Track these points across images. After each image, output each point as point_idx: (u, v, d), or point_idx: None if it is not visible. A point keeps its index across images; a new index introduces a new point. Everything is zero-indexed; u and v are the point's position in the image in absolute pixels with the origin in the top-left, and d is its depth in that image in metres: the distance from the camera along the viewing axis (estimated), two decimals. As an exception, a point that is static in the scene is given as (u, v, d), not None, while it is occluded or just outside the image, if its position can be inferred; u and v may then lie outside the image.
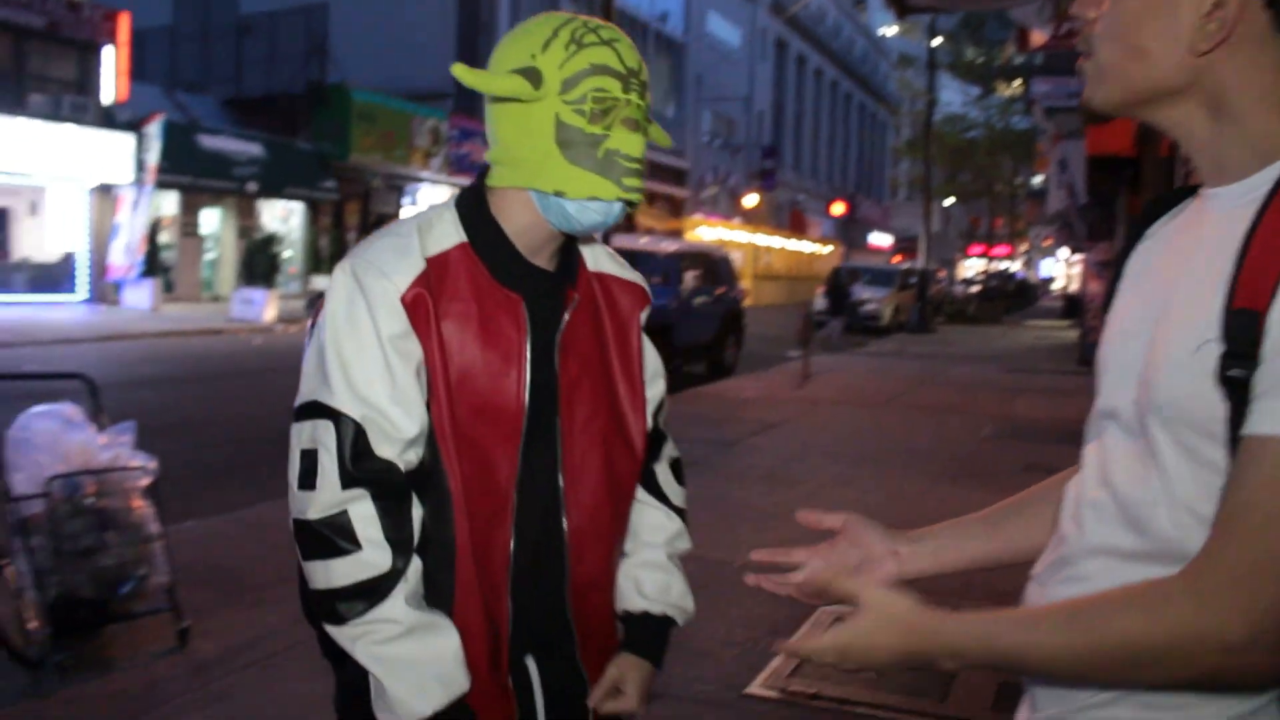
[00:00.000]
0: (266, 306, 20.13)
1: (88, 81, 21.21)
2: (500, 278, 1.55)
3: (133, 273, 21.17)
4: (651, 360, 1.79)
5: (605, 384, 1.68)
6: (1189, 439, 1.02)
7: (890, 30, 59.59)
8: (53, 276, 21.57)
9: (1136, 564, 1.06)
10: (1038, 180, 47.25)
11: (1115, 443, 1.13)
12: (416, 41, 27.37)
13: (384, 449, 1.45)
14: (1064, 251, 42.96)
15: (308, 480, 1.46)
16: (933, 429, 10.46)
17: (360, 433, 1.45)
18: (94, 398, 4.35)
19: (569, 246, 1.65)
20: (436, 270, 1.51)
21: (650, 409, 1.76)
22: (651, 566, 1.77)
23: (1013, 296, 42.72)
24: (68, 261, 21.81)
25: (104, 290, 21.76)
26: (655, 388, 1.79)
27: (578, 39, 1.49)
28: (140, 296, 21.29)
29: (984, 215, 52.90)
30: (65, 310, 20.16)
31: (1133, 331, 1.13)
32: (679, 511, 1.84)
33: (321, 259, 24.57)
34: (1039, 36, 12.87)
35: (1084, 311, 19.46)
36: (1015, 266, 57.62)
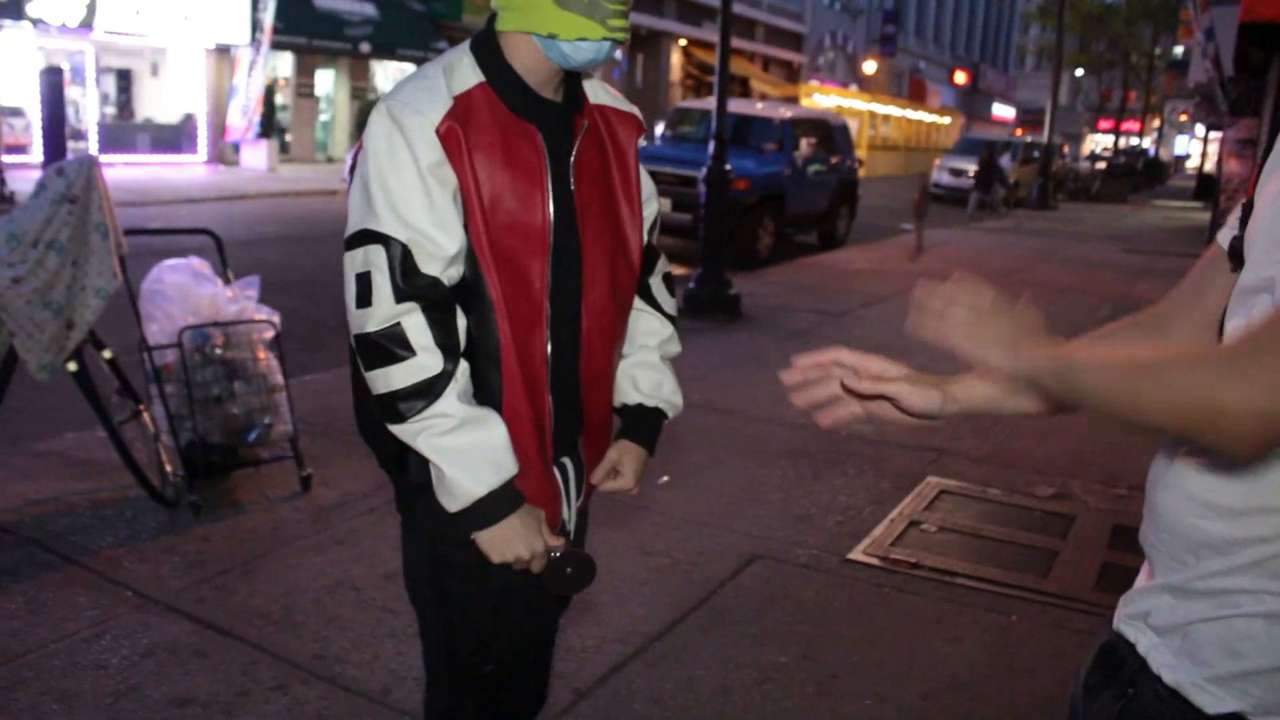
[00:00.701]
0: (380, 169, 20.33)
1: (206, -61, 21.30)
2: (517, 110, 1.72)
3: (250, 134, 21.53)
4: (647, 184, 1.95)
5: (609, 204, 1.85)
6: None
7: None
8: (174, 137, 22.05)
9: None
10: (1179, 51, 44.61)
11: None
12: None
13: (429, 266, 1.63)
14: (1200, 129, 40.69)
15: (364, 299, 1.64)
16: (1048, 307, 10.15)
17: (407, 253, 1.62)
18: (220, 253, 4.49)
19: (572, 81, 1.83)
20: (463, 106, 1.66)
21: (645, 227, 1.94)
22: (646, 366, 2.00)
23: (1141, 175, 40.85)
24: (188, 122, 22.25)
25: (222, 151, 22.21)
26: (650, 208, 1.96)
27: None
28: (257, 157, 21.69)
29: (1117, 88, 50.37)
30: (186, 170, 20.68)
31: (1273, 216, 1.10)
32: (671, 319, 2.05)
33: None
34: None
35: (1219, 192, 18.52)
36: (1146, 143, 54.89)
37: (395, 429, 1.66)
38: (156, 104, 22.12)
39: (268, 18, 20.88)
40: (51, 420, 4.95)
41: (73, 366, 3.83)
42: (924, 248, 14.28)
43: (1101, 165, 37.86)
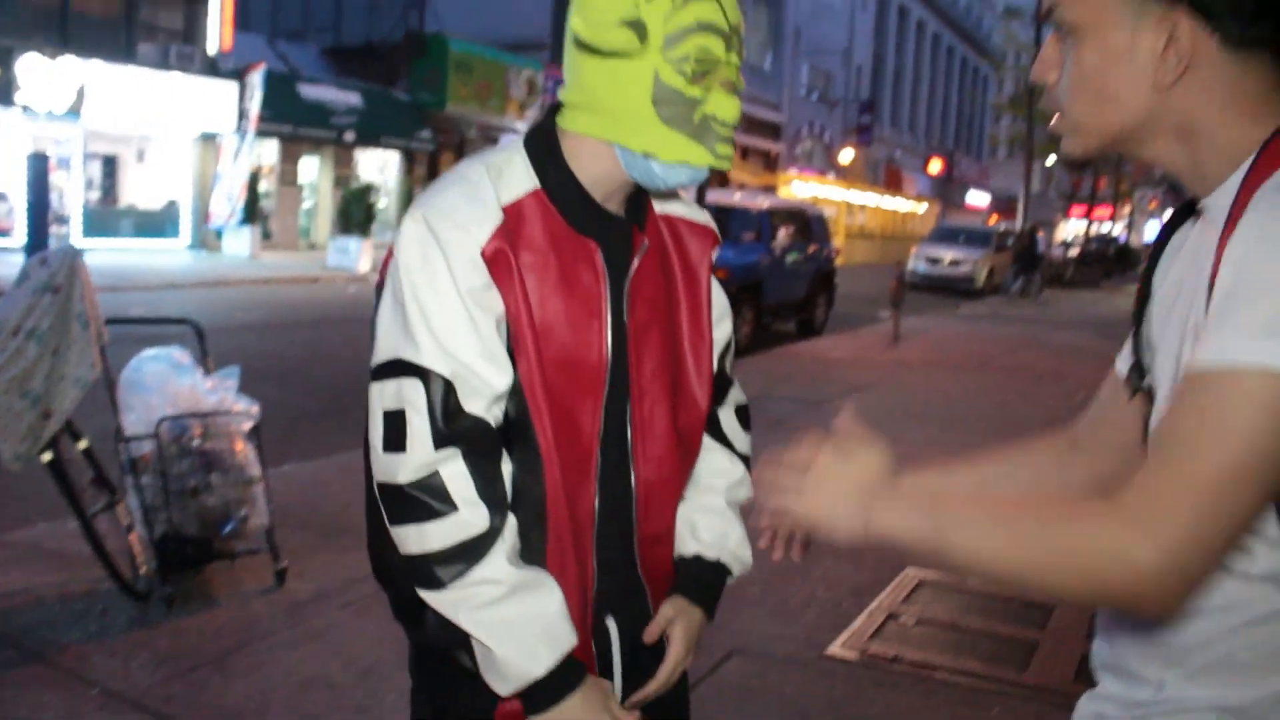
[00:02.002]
0: (361, 255, 20.50)
1: (193, 31, 21.66)
2: (575, 224, 1.49)
3: (233, 220, 21.69)
4: (720, 301, 1.72)
5: (671, 331, 1.63)
6: None
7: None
8: (158, 222, 22.20)
9: None
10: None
11: None
12: (513, -8, 27.38)
13: (474, 404, 1.40)
14: (1170, 214, 41.48)
15: (396, 442, 1.40)
16: (1024, 394, 10.29)
17: (450, 389, 1.39)
18: (201, 343, 4.51)
19: (639, 191, 1.58)
20: (513, 220, 1.44)
21: (717, 351, 1.71)
22: (709, 511, 1.72)
23: (1113, 261, 41.52)
24: (172, 208, 22.42)
25: (206, 237, 22.35)
26: (722, 328, 1.72)
27: None
28: (240, 243, 21.82)
29: (1087, 176, 51.39)
30: (169, 256, 20.77)
31: (1166, 343, 1.18)
32: (743, 458, 1.78)
33: (416, 209, 24.89)
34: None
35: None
36: (1118, 229, 55.85)
37: (429, 596, 1.41)
38: (141, 189, 22.30)
39: (254, 106, 21.18)
40: (22, 509, 4.90)
41: (47, 456, 3.81)
42: (901, 335, 14.40)
43: (1075, 252, 38.45)
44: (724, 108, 1.46)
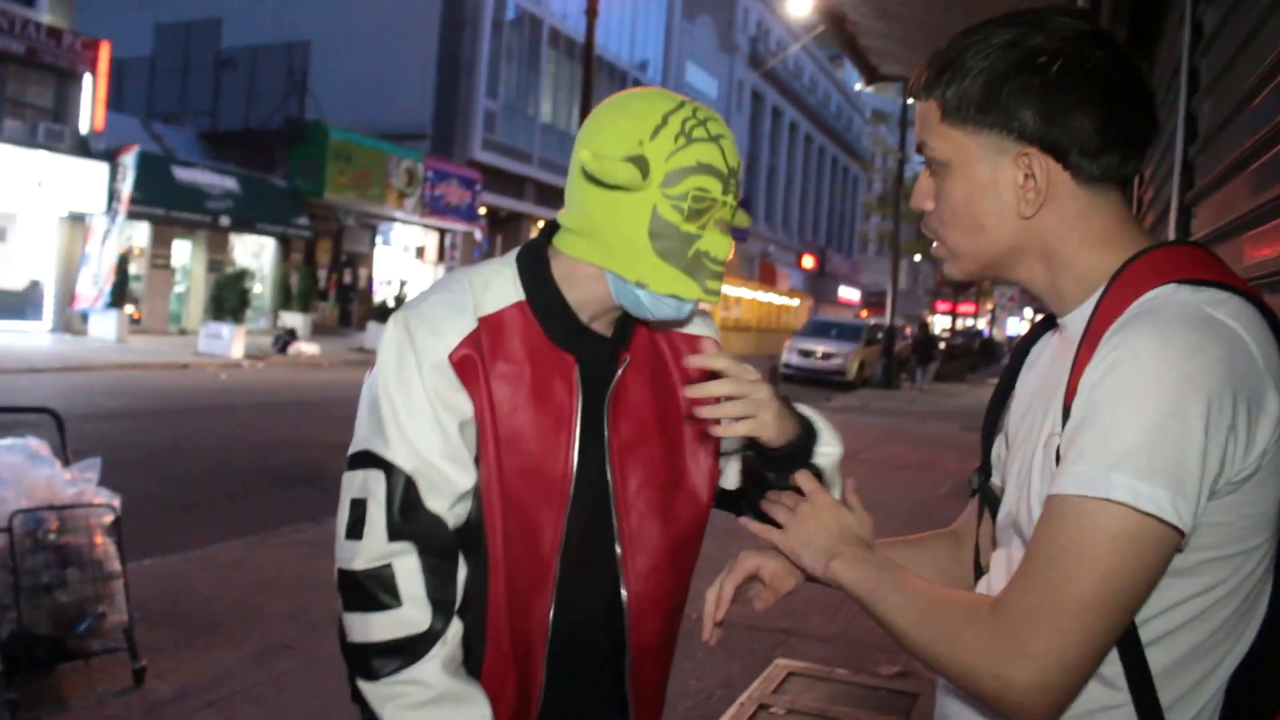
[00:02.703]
0: (234, 342, 20.06)
1: (64, 109, 21.19)
2: (555, 337, 1.54)
3: (99, 303, 21.05)
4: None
5: (667, 443, 1.64)
6: None
7: (865, 87, 60.47)
8: (18, 304, 21.39)
9: None
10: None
11: (1019, 555, 1.22)
12: (395, 81, 27.60)
13: (434, 502, 1.46)
14: (1028, 311, 43.55)
15: (355, 529, 1.46)
16: (893, 485, 10.57)
17: (411, 485, 1.45)
18: (60, 432, 4.38)
19: (628, 315, 1.61)
20: (489, 330, 1.51)
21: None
22: None
23: (978, 354, 43.14)
24: (35, 289, 21.65)
25: (70, 319, 21.60)
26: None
27: (687, 131, 1.47)
28: (106, 327, 21.14)
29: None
30: (30, 338, 20.00)
31: (1020, 443, 1.27)
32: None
33: (292, 295, 24.53)
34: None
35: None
36: (981, 324, 58.20)
37: (363, 686, 1.46)
38: (2, 269, 21.49)
39: (126, 188, 20.75)
40: None
41: (-110, 554, 3.63)
42: (776, 425, 14.67)
43: (941, 346, 39.87)
44: (717, 245, 1.50)
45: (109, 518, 4.19)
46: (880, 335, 28.78)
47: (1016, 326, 69.77)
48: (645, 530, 1.60)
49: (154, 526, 6.67)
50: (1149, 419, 1.02)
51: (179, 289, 24.65)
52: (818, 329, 28.90)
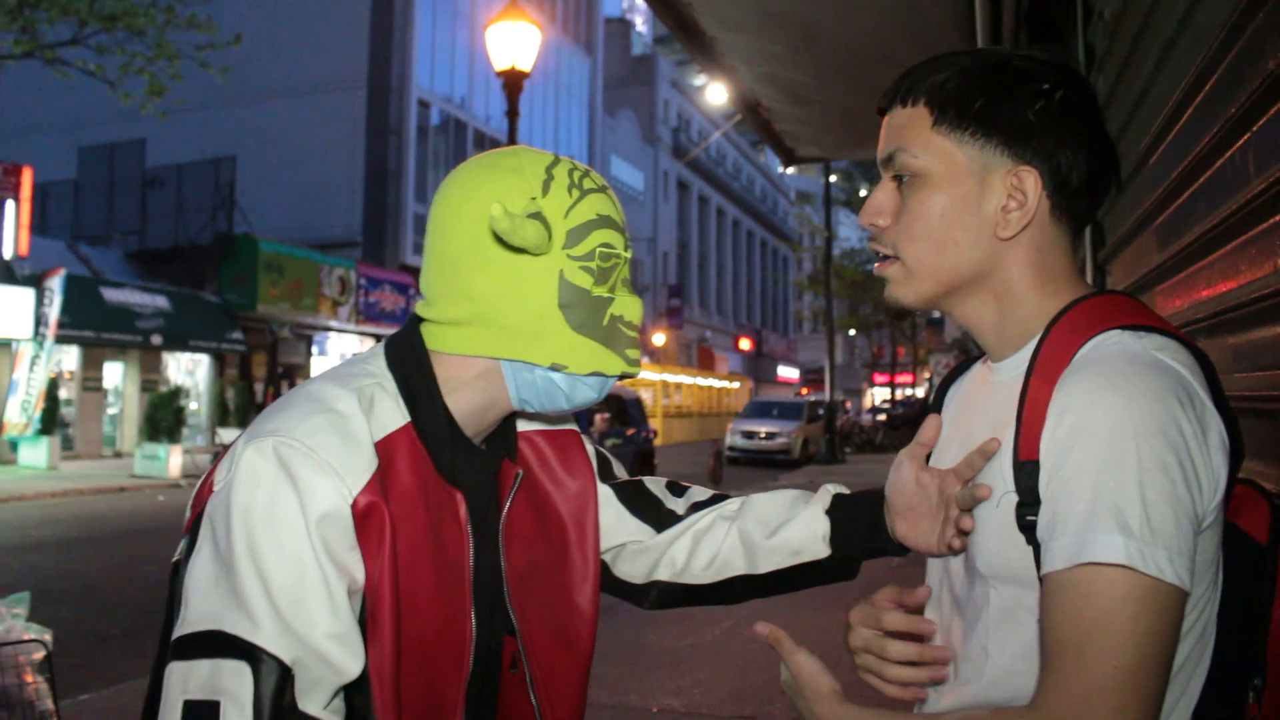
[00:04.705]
0: (171, 462, 19.73)
1: (-13, 237, 20.98)
2: (443, 469, 1.26)
3: (29, 430, 20.62)
4: (603, 492, 1.54)
5: (553, 562, 1.42)
6: (1007, 591, 1.13)
7: (788, 170, 61.89)
8: (-56, 436, 20.90)
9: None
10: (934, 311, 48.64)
11: (952, 598, 1.25)
12: (324, 190, 27.76)
13: (312, 702, 1.10)
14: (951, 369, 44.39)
15: None
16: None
17: (287, 680, 1.08)
18: (-13, 571, 4.29)
19: (506, 418, 1.38)
20: (385, 464, 1.20)
21: (612, 505, 1.54)
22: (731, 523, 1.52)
23: (918, 422, 43.52)
24: (-39, 421, 21.18)
25: (-1, 449, 21.14)
26: (606, 495, 1.54)
27: (577, 183, 1.29)
28: (37, 454, 20.67)
29: (886, 344, 54.31)
30: (-43, 472, 19.49)
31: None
32: (699, 500, 1.58)
33: (229, 411, 24.23)
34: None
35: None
36: (919, 393, 58.96)
37: None
38: (-76, 404, 21.01)
39: (53, 312, 20.48)
40: None
41: None
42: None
43: (882, 417, 40.25)
44: (630, 308, 1.32)
45: (39, 654, 4.09)
46: (821, 411, 29.03)
47: (954, 394, 70.64)
48: (556, 671, 1.39)
49: (91, 659, 6.50)
50: (1138, 478, 0.99)
51: (112, 411, 24.24)
52: (759, 410, 29.10)
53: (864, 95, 4.79)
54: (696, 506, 1.57)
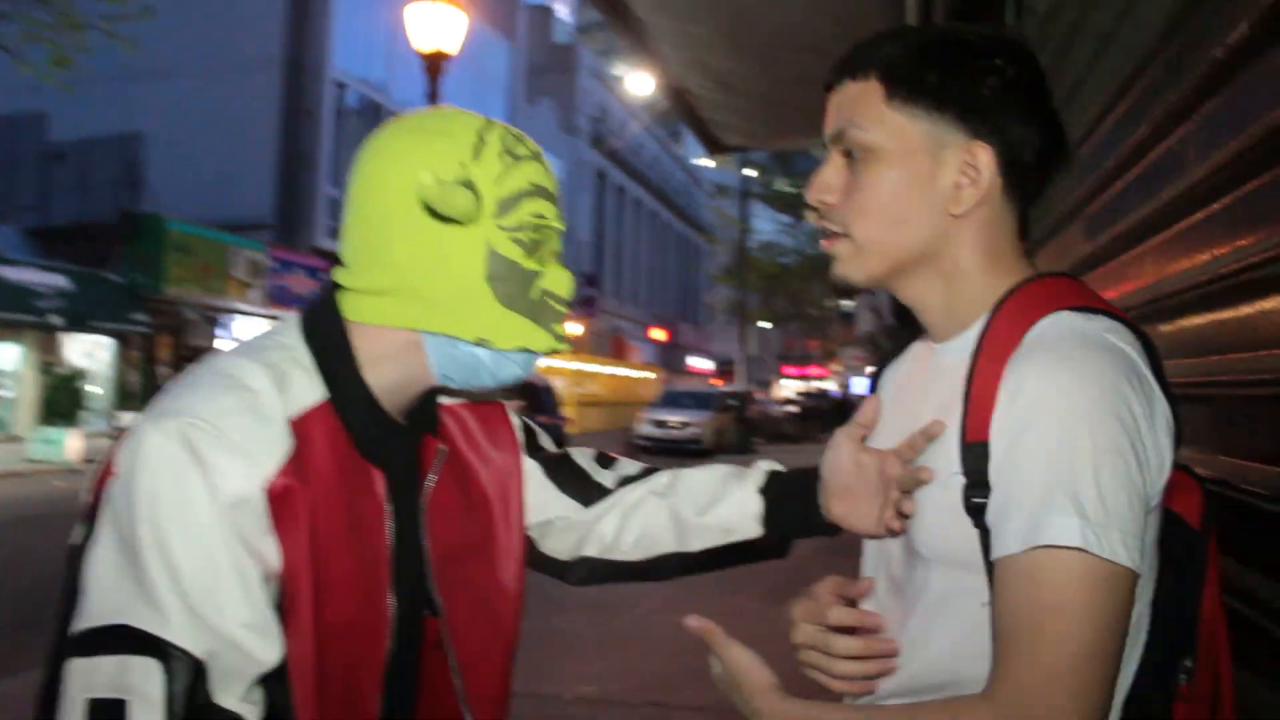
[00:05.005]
0: (69, 446, 19.17)
1: (-125, 212, 20.14)
2: (362, 447, 1.21)
3: (-80, 412, 19.87)
4: (531, 466, 1.52)
5: (478, 539, 1.39)
6: (949, 574, 1.13)
7: (705, 162, 62.24)
8: None
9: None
10: (845, 304, 49.63)
11: (891, 584, 1.26)
12: (236, 171, 27.09)
13: (228, 694, 1.05)
14: (871, 370, 45.31)
15: None
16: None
17: (200, 675, 1.03)
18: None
19: (428, 392, 1.32)
20: (301, 443, 1.14)
21: (539, 479, 1.52)
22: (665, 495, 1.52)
23: (829, 414, 44.30)
24: None
25: (-114, 431, 20.33)
26: (532, 469, 1.52)
27: (509, 149, 1.23)
28: (-72, 437, 19.96)
29: (798, 337, 54.98)
30: None
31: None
32: (629, 475, 1.58)
33: (130, 395, 23.59)
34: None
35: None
36: (830, 385, 59.87)
37: None
38: None
39: (-55, 291, 19.75)
40: None
41: None
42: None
43: (794, 409, 40.74)
44: (560, 282, 1.27)
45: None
46: (732, 402, 29.28)
47: (861, 385, 71.93)
48: (482, 650, 1.36)
49: (-6, 647, 6.32)
50: (1092, 460, 0.99)
51: (7, 394, 23.44)
52: (671, 399, 29.23)
53: (790, 84, 4.84)
54: (626, 480, 1.56)
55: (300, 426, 1.14)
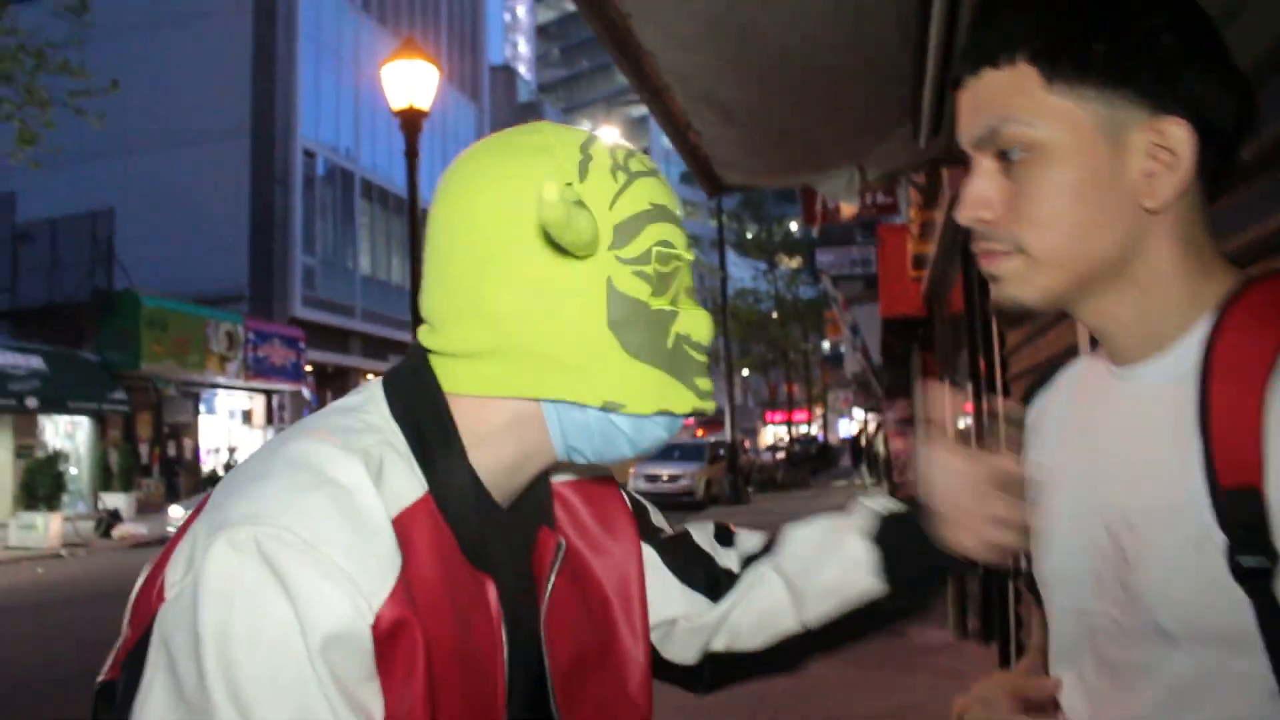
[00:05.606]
0: (50, 531, 18.69)
1: None
2: (469, 551, 0.96)
3: (-107, 505, 19.36)
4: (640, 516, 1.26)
5: (600, 648, 1.12)
6: (1203, 653, 0.89)
7: (709, 199, 62.64)
8: None
9: None
10: (826, 345, 49.73)
11: (1108, 668, 0.99)
12: (208, 244, 26.95)
13: None
14: (858, 412, 45.19)
15: None
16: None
17: None
18: None
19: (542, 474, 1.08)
20: (407, 555, 0.89)
21: (659, 571, 1.23)
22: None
23: (817, 459, 44.11)
24: None
25: None
26: (651, 559, 1.23)
27: (623, 163, 0.99)
28: (-98, 531, 19.44)
29: (780, 382, 54.99)
30: None
31: (1077, 538, 1.01)
32: (752, 553, 1.28)
33: (112, 475, 23.14)
34: (848, 209, 13.68)
35: (889, 466, 20.23)
36: (814, 430, 59.79)
37: None
38: None
39: (-84, 380, 19.36)
40: None
41: None
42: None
43: (782, 455, 40.54)
44: (698, 324, 1.01)
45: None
46: (722, 452, 29.04)
47: (847, 428, 72.01)
48: None
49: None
50: None
51: (-17, 480, 22.95)
52: (661, 453, 28.65)
53: (800, 114, 4.69)
54: (749, 561, 1.27)
55: (402, 531, 0.89)
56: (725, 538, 1.31)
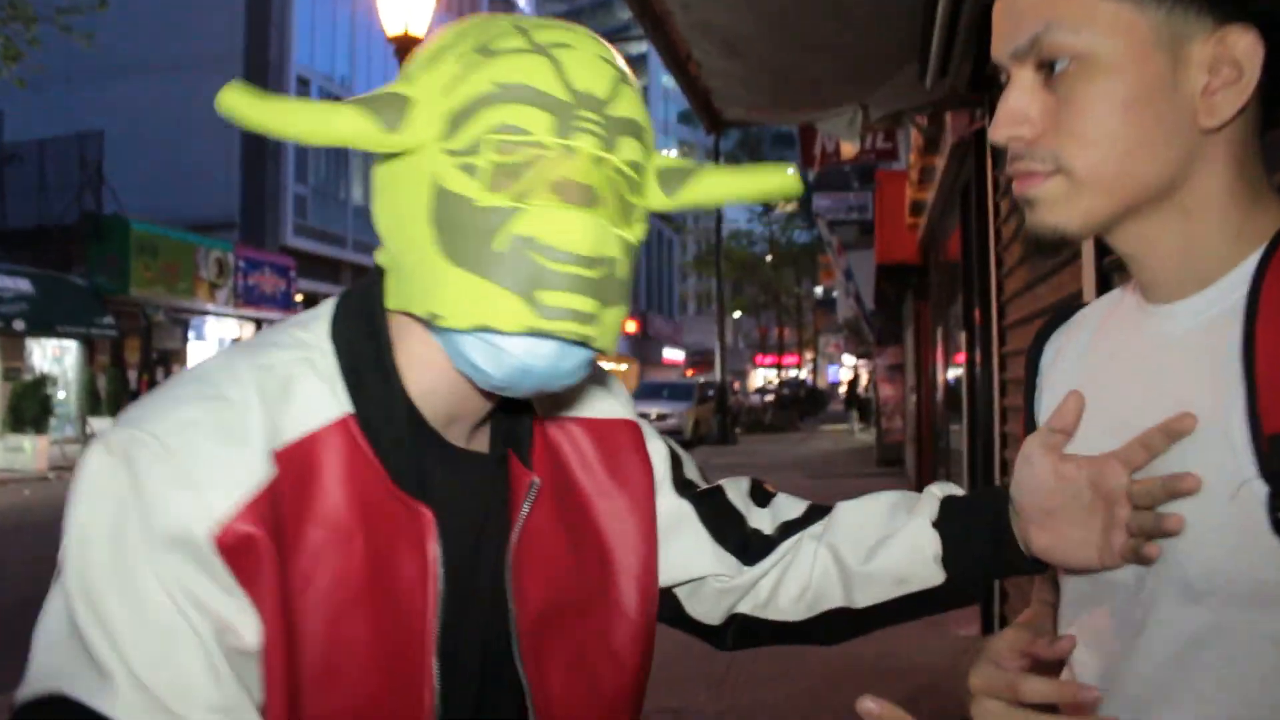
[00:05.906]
0: (37, 454, 18.70)
1: None
2: (401, 478, 0.91)
3: (-121, 424, 19.33)
4: (662, 463, 1.21)
5: (587, 597, 1.05)
6: (1235, 614, 0.83)
7: (672, 151, 62.15)
8: None
9: None
10: (819, 290, 49.70)
11: (1121, 623, 0.93)
12: (199, 170, 26.66)
13: None
14: (849, 358, 45.25)
15: None
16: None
17: None
18: None
19: (511, 402, 1.01)
20: (292, 476, 0.86)
21: (692, 527, 1.20)
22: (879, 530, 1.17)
23: (805, 403, 44.29)
24: None
25: None
26: (685, 513, 1.20)
27: (486, 45, 0.88)
28: (-112, 450, 19.43)
29: (771, 326, 55.03)
30: None
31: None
32: (791, 520, 1.24)
33: (100, 399, 23.10)
34: (848, 150, 13.54)
35: (879, 414, 20.29)
36: (804, 374, 59.92)
37: None
38: None
39: (-99, 299, 19.23)
40: None
41: None
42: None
43: (770, 398, 40.70)
44: (559, 228, 0.85)
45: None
46: (711, 393, 29.11)
47: (836, 374, 72.25)
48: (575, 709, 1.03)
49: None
50: None
51: (-30, 402, 22.91)
52: (649, 391, 29.03)
53: (802, 50, 4.59)
54: (787, 528, 1.23)
55: (293, 455, 0.86)
56: (761, 497, 1.28)
